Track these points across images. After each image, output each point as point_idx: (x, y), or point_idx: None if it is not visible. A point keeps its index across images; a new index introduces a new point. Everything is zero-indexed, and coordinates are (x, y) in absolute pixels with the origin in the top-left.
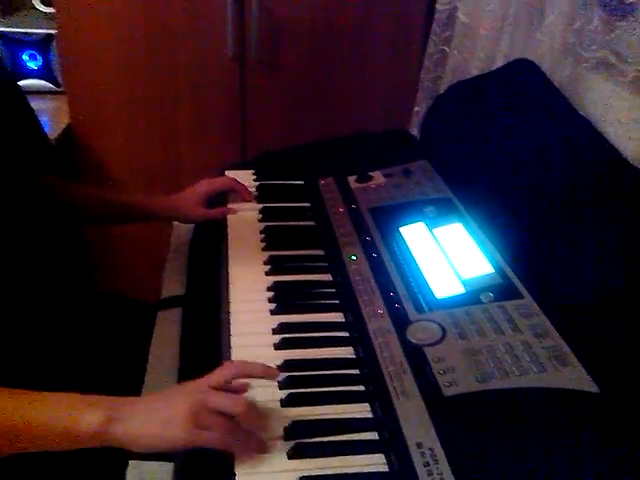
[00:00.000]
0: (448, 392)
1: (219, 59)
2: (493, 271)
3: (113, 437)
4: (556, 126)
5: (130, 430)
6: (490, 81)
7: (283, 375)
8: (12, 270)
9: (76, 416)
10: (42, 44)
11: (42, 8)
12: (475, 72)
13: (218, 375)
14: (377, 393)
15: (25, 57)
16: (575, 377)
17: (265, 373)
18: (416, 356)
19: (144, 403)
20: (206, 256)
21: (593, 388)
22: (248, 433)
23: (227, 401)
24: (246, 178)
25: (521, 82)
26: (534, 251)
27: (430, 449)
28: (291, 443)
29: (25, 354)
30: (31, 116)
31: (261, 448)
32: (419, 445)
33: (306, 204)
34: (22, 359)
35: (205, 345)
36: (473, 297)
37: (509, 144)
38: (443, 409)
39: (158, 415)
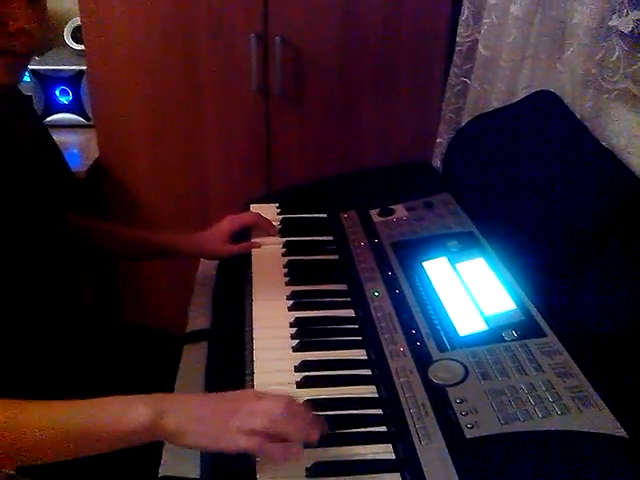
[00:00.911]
0: (470, 434)
1: (244, 92)
2: (515, 307)
3: (165, 429)
4: (579, 158)
5: (181, 424)
6: (511, 113)
7: None
8: (44, 304)
9: (128, 413)
10: (73, 80)
11: (74, 46)
12: (496, 104)
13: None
14: (399, 434)
15: (57, 92)
16: (600, 419)
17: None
18: (438, 397)
19: (196, 401)
20: (231, 290)
21: (619, 431)
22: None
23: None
24: (270, 211)
25: (543, 114)
26: (557, 287)
27: None
28: None
29: (55, 384)
30: (57, 153)
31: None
32: None
33: (329, 238)
34: (53, 389)
35: (229, 380)
36: (496, 335)
37: (531, 177)
38: (465, 451)
39: (211, 414)
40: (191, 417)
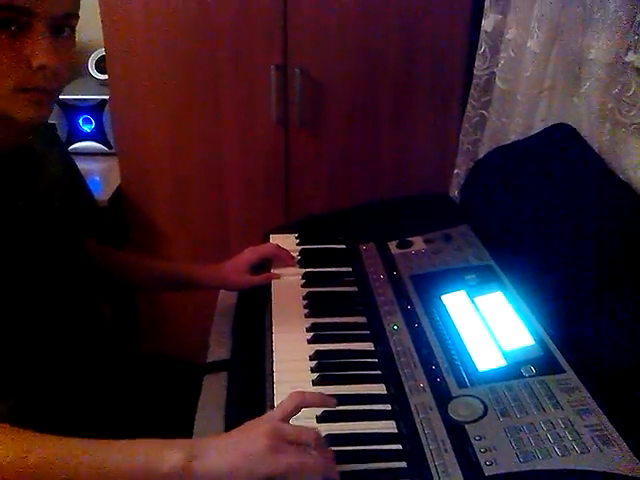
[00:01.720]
0: (489, 471)
1: (264, 123)
2: (534, 343)
3: (195, 475)
4: (597, 191)
5: (212, 466)
6: (529, 146)
7: None
8: (61, 333)
9: (156, 458)
10: (96, 109)
11: (97, 75)
12: (514, 136)
13: (284, 408)
14: (419, 470)
15: (80, 121)
16: (620, 459)
17: (323, 402)
18: (457, 433)
19: (221, 439)
20: (251, 321)
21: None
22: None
23: (302, 430)
24: (289, 242)
25: (560, 147)
26: (575, 321)
27: None
28: None
29: (73, 415)
30: (81, 182)
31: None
32: None
33: (348, 269)
34: (71, 420)
35: (250, 411)
36: (514, 370)
37: (549, 210)
38: None
39: (239, 448)
40: (222, 461)
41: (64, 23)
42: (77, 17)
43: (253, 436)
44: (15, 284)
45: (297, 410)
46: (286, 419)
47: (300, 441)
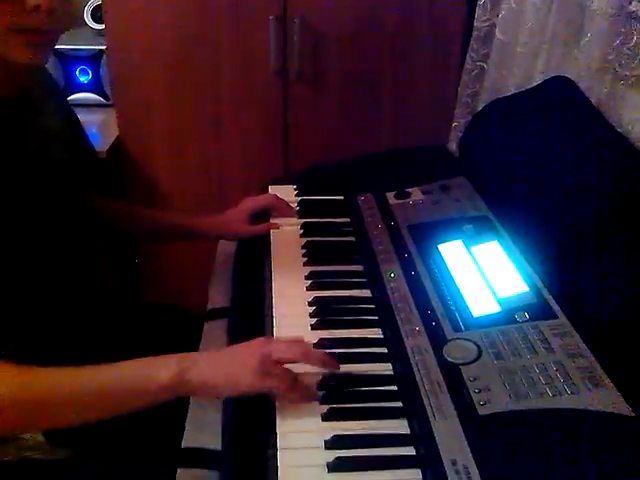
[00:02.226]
0: (483, 411)
1: (262, 74)
2: (528, 290)
3: (188, 383)
4: (594, 144)
5: (202, 374)
6: (527, 99)
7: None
8: (62, 284)
9: (152, 372)
10: (93, 60)
11: (93, 25)
12: (513, 89)
13: (284, 351)
14: (414, 410)
15: (77, 72)
16: (608, 399)
17: (324, 365)
18: (452, 374)
19: (213, 354)
20: (250, 270)
21: (626, 411)
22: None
23: (290, 346)
24: (288, 193)
25: (558, 100)
26: (569, 270)
27: (464, 466)
28: (331, 457)
29: (76, 365)
30: (82, 133)
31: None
32: (454, 462)
33: (346, 219)
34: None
35: None
36: (508, 316)
37: (546, 162)
38: (478, 428)
39: (228, 361)
40: (211, 368)
41: None
42: None
43: (243, 353)
44: (15, 235)
45: (297, 359)
46: (282, 354)
47: (286, 360)
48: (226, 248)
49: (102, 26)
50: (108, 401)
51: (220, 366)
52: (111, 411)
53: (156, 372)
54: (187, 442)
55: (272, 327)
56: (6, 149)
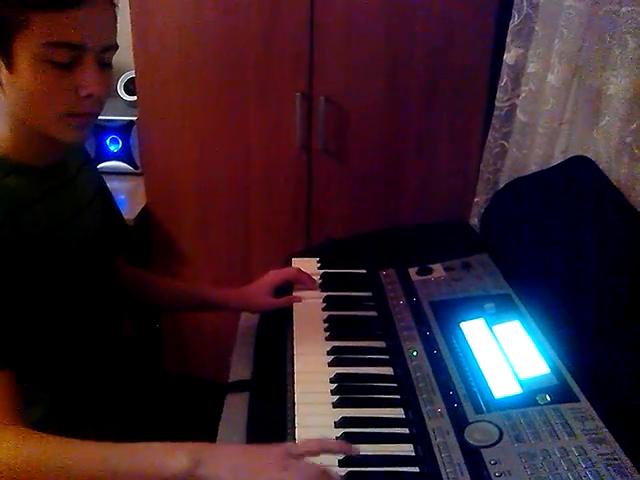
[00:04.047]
0: None
1: (288, 148)
2: (549, 371)
3: (200, 478)
4: (614, 224)
5: (216, 474)
6: (548, 178)
7: (344, 470)
8: (81, 343)
9: (162, 462)
10: (123, 130)
11: (125, 97)
12: (533, 168)
13: (302, 447)
14: None
15: (107, 141)
16: None
17: (341, 449)
18: (473, 457)
19: (229, 450)
20: (272, 342)
21: None
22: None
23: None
24: (311, 266)
25: (578, 179)
26: (590, 351)
27: None
28: None
29: (95, 428)
30: (111, 200)
31: None
32: None
33: (368, 294)
34: (93, 436)
35: (271, 432)
36: (530, 398)
37: (567, 241)
38: None
39: (246, 464)
40: (225, 467)
41: (107, 55)
42: (117, 48)
43: (263, 452)
44: (44, 299)
45: (318, 453)
46: (303, 455)
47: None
48: (249, 319)
49: (134, 98)
50: None
51: (234, 469)
52: None
53: (173, 458)
54: None
55: (294, 404)
56: (42, 216)
